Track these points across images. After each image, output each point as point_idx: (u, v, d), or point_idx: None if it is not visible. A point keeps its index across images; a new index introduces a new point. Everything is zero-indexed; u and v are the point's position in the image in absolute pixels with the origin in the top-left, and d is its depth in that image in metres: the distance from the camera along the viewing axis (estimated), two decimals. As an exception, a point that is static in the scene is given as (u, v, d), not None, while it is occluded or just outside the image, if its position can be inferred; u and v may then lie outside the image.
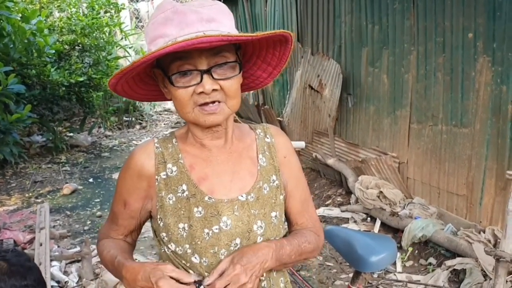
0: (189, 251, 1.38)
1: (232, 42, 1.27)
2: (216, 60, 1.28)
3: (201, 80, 1.27)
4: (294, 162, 1.57)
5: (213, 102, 1.30)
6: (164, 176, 1.41)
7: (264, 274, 1.44)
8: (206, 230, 1.37)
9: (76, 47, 8.67)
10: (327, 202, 5.62)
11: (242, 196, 1.41)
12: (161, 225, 1.41)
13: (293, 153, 1.59)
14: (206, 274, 1.37)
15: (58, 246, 4.68)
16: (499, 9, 3.58)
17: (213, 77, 1.28)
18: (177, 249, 1.39)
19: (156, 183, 1.41)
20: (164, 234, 1.41)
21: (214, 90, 1.28)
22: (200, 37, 1.18)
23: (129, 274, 1.32)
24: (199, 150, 1.44)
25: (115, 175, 7.40)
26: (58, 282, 4.01)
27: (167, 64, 1.28)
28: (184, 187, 1.39)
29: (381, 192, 4.80)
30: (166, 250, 1.43)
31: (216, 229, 1.37)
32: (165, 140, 1.46)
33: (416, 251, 4.27)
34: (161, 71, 1.33)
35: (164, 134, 1.46)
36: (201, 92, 1.28)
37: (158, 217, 1.42)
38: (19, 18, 6.47)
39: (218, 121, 1.34)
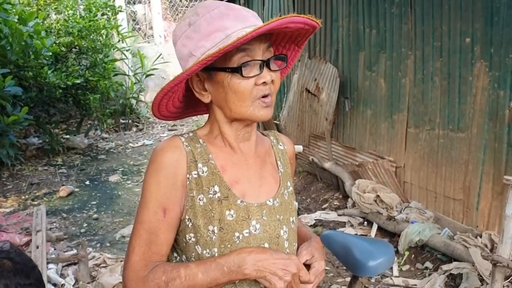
0: (216, 254, 1.34)
1: (307, 26, 1.32)
2: (267, 54, 1.32)
3: (261, 71, 1.29)
4: (294, 165, 1.65)
5: (267, 95, 1.33)
6: (196, 176, 1.35)
7: None
8: (237, 234, 1.34)
9: (73, 49, 8.66)
10: (324, 206, 5.62)
11: (269, 201, 1.43)
12: (189, 225, 1.34)
13: (294, 159, 1.66)
14: None
15: (55, 249, 4.66)
16: (496, 14, 3.60)
17: (269, 69, 1.31)
18: (204, 251, 1.34)
19: (188, 182, 1.34)
20: (192, 235, 1.35)
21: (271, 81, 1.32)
22: (293, 16, 1.24)
23: (254, 254, 1.29)
24: (228, 153, 1.42)
25: (112, 178, 7.40)
26: (54, 285, 3.99)
27: (227, 58, 1.27)
28: (216, 188, 1.35)
29: (378, 196, 4.80)
30: (190, 255, 1.37)
31: (247, 233, 1.35)
32: (192, 139, 1.40)
33: (413, 256, 4.27)
34: (203, 73, 1.33)
35: (187, 133, 1.43)
36: (261, 84, 1.30)
37: (187, 217, 1.34)
38: (16, 20, 6.47)
39: (271, 114, 1.35)
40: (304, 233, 1.63)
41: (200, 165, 1.36)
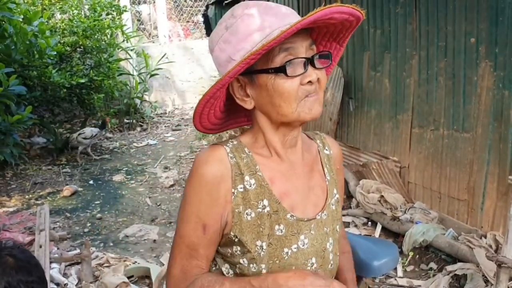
0: (264, 271, 1.28)
1: (352, 18, 1.24)
2: (310, 52, 1.24)
3: (305, 69, 1.21)
4: (343, 172, 1.57)
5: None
6: (242, 190, 1.27)
7: None
8: (285, 250, 1.29)
9: (78, 49, 8.66)
10: (328, 206, 5.60)
11: (318, 215, 1.36)
12: (235, 241, 1.29)
13: (342, 164, 1.58)
14: None
15: (58, 248, 4.66)
16: (501, 14, 3.58)
17: (314, 67, 1.23)
18: (251, 265, 1.29)
19: (233, 197, 1.26)
20: (238, 248, 1.29)
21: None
22: (338, 5, 1.15)
23: (292, 281, 1.17)
24: (275, 163, 1.33)
25: (116, 177, 7.39)
26: (57, 284, 4.00)
27: (269, 59, 1.20)
28: (265, 202, 1.28)
29: (382, 196, 4.79)
30: (234, 266, 1.32)
31: (295, 248, 1.30)
32: (237, 149, 1.31)
33: (417, 256, 4.25)
34: (244, 78, 1.26)
35: (231, 141, 1.34)
36: (307, 83, 1.22)
37: (232, 234, 1.28)
38: (21, 20, 6.46)
39: (320, 112, 1.26)
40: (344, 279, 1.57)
41: (247, 177, 1.28)
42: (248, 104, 1.29)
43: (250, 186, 1.28)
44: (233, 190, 1.26)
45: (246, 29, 1.20)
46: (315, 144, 1.49)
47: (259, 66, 1.22)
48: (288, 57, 1.20)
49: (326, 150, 1.49)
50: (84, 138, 8.26)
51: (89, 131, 8.42)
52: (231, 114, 1.41)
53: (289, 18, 1.21)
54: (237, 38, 1.21)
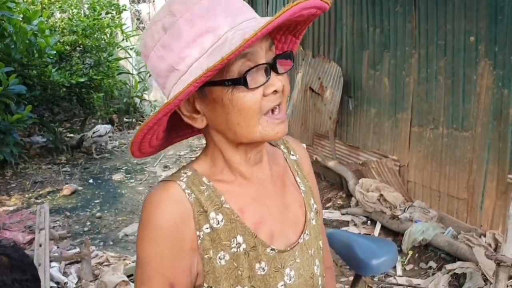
0: None
1: (319, 11, 1.01)
2: (270, 55, 1.01)
3: (267, 77, 0.98)
4: (313, 175, 1.35)
5: (279, 104, 1.02)
6: (208, 230, 1.04)
7: None
8: None
9: (77, 48, 8.67)
10: (327, 205, 5.61)
11: (301, 238, 1.16)
12: None
13: (311, 165, 1.36)
14: None
15: (58, 247, 4.67)
16: (501, 12, 3.58)
17: (277, 72, 1.00)
18: None
19: (199, 241, 1.03)
20: None
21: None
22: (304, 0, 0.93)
23: None
24: (242, 187, 1.11)
25: (115, 176, 7.40)
26: (57, 283, 4.00)
27: (224, 68, 0.95)
28: (240, 239, 1.05)
29: (381, 195, 4.79)
30: None
31: (282, 286, 1.09)
32: (194, 181, 1.06)
33: (416, 255, 4.26)
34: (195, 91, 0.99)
35: (184, 173, 1.08)
36: (271, 93, 1.00)
37: (206, 285, 1.05)
38: (20, 19, 6.47)
39: (286, 130, 1.04)
40: None
41: (212, 214, 1.04)
42: (199, 122, 1.05)
43: (218, 223, 1.05)
44: (198, 233, 1.03)
45: (191, 31, 0.96)
46: (280, 151, 1.26)
47: (212, 78, 0.96)
48: (247, 64, 0.96)
49: (292, 155, 1.28)
50: (99, 136, 8.37)
51: (102, 128, 8.56)
52: (173, 128, 1.15)
53: (243, 13, 0.99)
54: (180, 43, 0.97)
